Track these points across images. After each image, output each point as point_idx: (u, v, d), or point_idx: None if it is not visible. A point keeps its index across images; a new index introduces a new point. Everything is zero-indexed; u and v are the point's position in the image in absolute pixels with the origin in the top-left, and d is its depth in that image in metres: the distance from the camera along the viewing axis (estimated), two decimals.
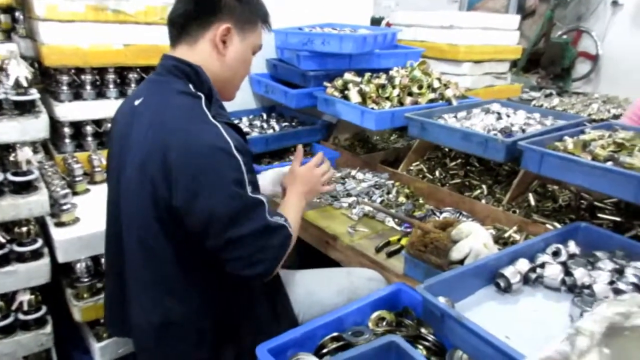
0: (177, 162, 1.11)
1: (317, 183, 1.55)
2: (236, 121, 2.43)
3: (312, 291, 1.42)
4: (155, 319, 1.25)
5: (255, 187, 1.20)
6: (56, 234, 1.65)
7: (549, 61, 4.76)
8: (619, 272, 1.22)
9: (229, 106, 2.47)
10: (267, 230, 1.17)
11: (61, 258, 1.67)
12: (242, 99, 2.60)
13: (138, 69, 2.21)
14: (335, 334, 1.22)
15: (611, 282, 1.17)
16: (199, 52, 1.28)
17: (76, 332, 1.94)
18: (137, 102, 1.27)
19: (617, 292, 1.13)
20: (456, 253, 1.28)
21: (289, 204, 1.44)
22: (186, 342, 1.26)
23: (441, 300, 1.08)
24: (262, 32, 1.40)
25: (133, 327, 1.32)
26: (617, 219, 1.56)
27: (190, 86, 1.25)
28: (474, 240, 1.29)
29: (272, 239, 1.19)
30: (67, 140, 2.17)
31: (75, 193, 1.97)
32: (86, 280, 1.75)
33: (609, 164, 1.43)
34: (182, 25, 1.28)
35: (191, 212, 1.12)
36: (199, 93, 1.24)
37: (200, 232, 1.14)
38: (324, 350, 1.19)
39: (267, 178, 1.67)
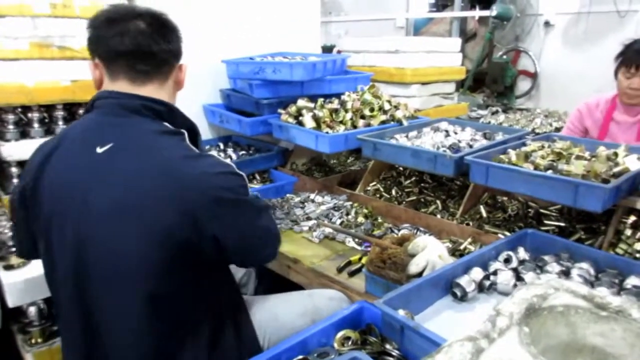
0: (200, 201, 1.10)
1: None
2: None
3: (275, 315, 1.42)
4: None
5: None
6: (5, 277, 1.58)
7: (492, 80, 5.01)
8: (566, 273, 1.29)
9: None
10: (267, 208, 1.29)
11: (11, 302, 1.60)
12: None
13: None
14: (300, 357, 1.21)
15: None
16: (166, 89, 1.27)
17: None
18: (100, 150, 1.14)
19: None
20: (414, 267, 1.32)
21: None
22: None
23: (400, 313, 1.11)
24: None
25: None
26: (562, 224, 1.65)
27: (165, 124, 1.21)
28: (429, 253, 1.33)
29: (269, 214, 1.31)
30: (15, 181, 2.10)
31: None
32: (38, 324, 1.68)
33: (549, 172, 1.52)
34: (158, 65, 1.23)
35: (223, 237, 1.15)
36: (180, 130, 1.21)
37: (236, 249, 1.20)
38: None
39: None
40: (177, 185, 1.10)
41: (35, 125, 2.09)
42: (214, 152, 2.46)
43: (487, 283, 1.27)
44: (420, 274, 1.31)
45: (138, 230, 1.09)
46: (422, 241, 1.37)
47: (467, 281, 1.24)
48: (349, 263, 1.62)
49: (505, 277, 1.27)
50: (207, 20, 2.49)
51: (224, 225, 1.15)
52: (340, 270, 1.60)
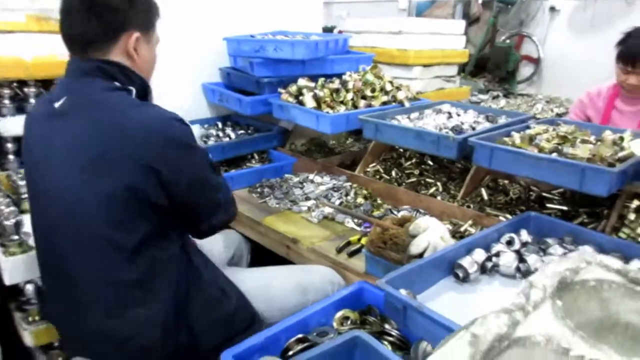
0: (145, 145, 1.15)
1: None
2: None
3: (266, 288, 1.44)
4: (121, 330, 1.21)
5: None
6: (1, 254, 1.56)
7: (494, 65, 4.96)
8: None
9: (182, 116, 2.47)
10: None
11: (8, 280, 1.58)
12: (197, 109, 2.57)
13: None
14: (300, 335, 1.21)
15: None
16: (113, 55, 1.29)
17: (29, 358, 1.83)
18: (57, 104, 1.24)
19: None
20: (415, 247, 1.30)
21: None
22: (150, 334, 1.23)
23: (402, 293, 1.10)
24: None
25: (93, 342, 1.26)
26: (564, 207, 1.64)
27: (115, 83, 1.27)
28: (431, 234, 1.31)
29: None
30: (11, 157, 2.07)
31: (22, 211, 1.88)
32: (36, 302, 1.66)
33: (554, 155, 1.50)
34: (88, 43, 1.25)
35: (175, 183, 1.20)
36: (129, 87, 1.28)
37: (182, 199, 1.23)
38: (290, 353, 1.18)
39: None
40: (124, 134, 1.15)
41: (32, 100, 2.05)
42: (212, 131, 2.43)
43: (489, 264, 1.26)
44: (421, 255, 1.30)
45: (91, 183, 1.16)
46: (424, 222, 1.35)
47: (470, 262, 1.23)
48: (349, 243, 1.61)
49: (507, 259, 1.26)
50: None
51: (173, 169, 1.19)
52: (339, 250, 1.58)
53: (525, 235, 1.38)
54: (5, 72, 1.92)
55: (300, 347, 1.18)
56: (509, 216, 1.66)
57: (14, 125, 2.00)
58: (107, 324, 1.21)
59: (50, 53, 1.99)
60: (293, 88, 2.20)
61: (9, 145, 2.06)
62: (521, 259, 1.27)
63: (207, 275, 1.35)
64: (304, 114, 2.09)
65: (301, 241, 1.66)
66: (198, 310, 1.29)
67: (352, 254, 1.56)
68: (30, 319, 1.66)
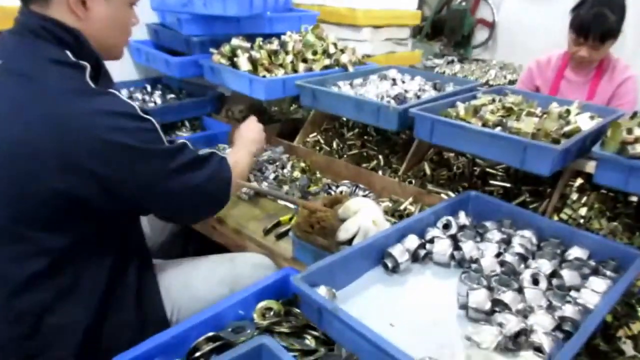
0: (81, 146, 0.97)
1: (260, 133, 1.61)
2: None
3: (189, 283, 1.26)
4: (28, 324, 1.06)
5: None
6: None
7: (450, 29, 4.82)
8: (506, 242, 1.19)
9: None
10: (198, 163, 1.16)
11: None
12: (121, 70, 2.30)
13: None
14: (210, 333, 1.07)
15: (498, 254, 1.13)
16: (56, 11, 1.05)
17: None
18: None
19: (503, 264, 1.09)
20: (343, 233, 1.17)
21: (236, 147, 1.50)
22: (63, 345, 1.08)
23: (322, 290, 0.98)
24: None
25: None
26: (507, 185, 1.55)
27: (69, 53, 1.04)
28: (362, 217, 1.19)
29: (209, 168, 1.18)
30: None
31: None
32: None
33: (498, 129, 1.39)
34: None
35: (121, 187, 1.04)
36: (82, 62, 1.04)
37: (134, 202, 1.10)
38: (197, 354, 1.04)
39: None
40: (58, 128, 0.96)
41: None
42: (138, 95, 2.19)
43: (422, 252, 1.15)
44: (350, 241, 1.17)
45: (4, 183, 0.99)
46: (355, 204, 1.22)
47: (400, 251, 1.11)
48: (278, 224, 1.47)
49: (441, 247, 1.15)
50: None
51: (117, 175, 1.01)
52: (266, 232, 1.44)
53: (463, 218, 1.27)
54: None
55: (210, 346, 1.05)
56: (450, 193, 1.56)
57: None
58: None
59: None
60: (226, 48, 1.99)
61: None
62: (457, 246, 1.16)
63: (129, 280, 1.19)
64: (237, 78, 1.90)
65: (226, 221, 1.51)
66: (109, 337, 1.14)
67: (280, 236, 1.42)
68: None
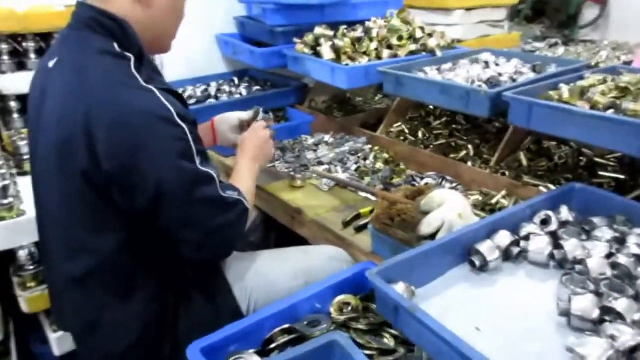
0: (107, 140, 0.95)
1: (265, 144, 1.40)
2: (203, 87, 2.24)
3: (264, 276, 1.24)
4: (87, 318, 1.11)
5: (205, 158, 1.06)
6: None
7: (553, 9, 4.41)
8: (620, 241, 1.02)
9: (193, 71, 2.30)
10: (221, 206, 1.06)
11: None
12: (210, 62, 2.38)
13: None
14: (286, 325, 1.04)
15: (609, 255, 0.97)
16: (117, 1, 1.07)
17: (36, 321, 1.81)
18: (51, 64, 1.07)
19: (615, 266, 0.94)
20: (426, 226, 1.08)
21: (240, 172, 1.30)
22: (125, 340, 1.11)
23: (400, 287, 0.90)
24: None
25: (67, 323, 1.19)
26: (620, 176, 1.35)
27: (115, 45, 1.05)
28: (446, 210, 1.09)
29: (228, 216, 1.07)
30: (16, 116, 1.99)
31: (24, 173, 1.81)
32: (31, 268, 1.60)
33: (610, 112, 1.21)
34: None
35: (135, 191, 0.98)
36: (127, 53, 1.05)
37: (147, 212, 1.01)
38: (272, 345, 1.02)
39: (227, 123, 1.51)
40: (88, 117, 0.96)
41: (32, 55, 1.94)
42: (225, 87, 2.24)
43: (515, 250, 1.02)
44: (433, 236, 1.08)
45: (58, 170, 1.02)
46: (439, 196, 1.12)
47: (490, 247, 1.00)
48: (358, 216, 1.41)
49: (539, 244, 1.02)
50: None
51: (128, 177, 0.97)
52: (346, 224, 1.39)
53: (565, 213, 1.12)
54: None
55: (285, 339, 1.02)
56: (550, 186, 1.40)
57: (15, 83, 1.90)
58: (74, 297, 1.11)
59: (44, 3, 1.84)
60: (309, 37, 1.96)
61: (12, 104, 1.98)
62: (557, 244, 1.02)
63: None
64: (319, 67, 1.86)
65: (305, 211, 1.48)
66: (184, 326, 1.15)
67: (359, 229, 1.36)
68: (25, 285, 1.61)
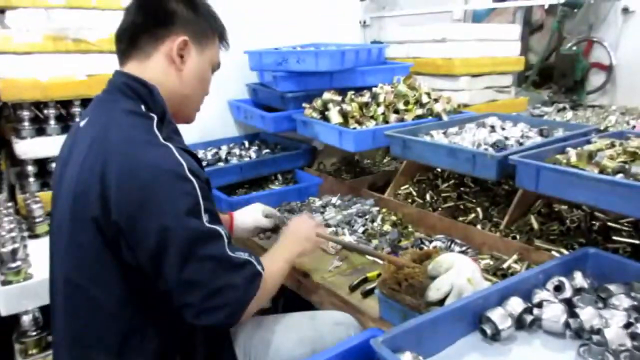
0: (117, 190, 0.96)
1: (310, 228, 1.41)
2: (214, 150, 2.29)
3: (268, 342, 1.20)
4: None
5: (214, 216, 1.04)
6: None
7: (560, 74, 4.50)
8: (638, 310, 0.97)
9: (206, 135, 2.36)
10: (226, 266, 1.01)
11: (4, 310, 1.50)
12: (222, 127, 2.45)
13: None
14: None
15: (628, 325, 0.92)
16: (153, 68, 1.13)
17: None
18: (82, 124, 1.13)
19: (635, 337, 0.88)
20: (434, 292, 1.05)
21: (276, 247, 1.30)
22: None
23: (407, 357, 0.86)
24: (219, 48, 1.28)
25: None
26: (636, 241, 1.31)
27: (142, 106, 1.10)
28: (455, 274, 1.06)
29: (234, 278, 1.02)
30: (32, 179, 2.03)
31: (35, 235, 1.83)
32: (34, 333, 1.57)
33: (619, 176, 1.19)
34: (130, 39, 1.14)
35: (139, 243, 0.98)
36: (151, 114, 1.09)
37: (150, 267, 0.99)
38: None
39: (247, 212, 1.57)
40: (104, 167, 0.98)
41: (52, 122, 2.01)
42: (236, 150, 2.28)
43: (528, 318, 0.98)
44: (442, 302, 1.05)
45: (72, 220, 1.03)
46: (447, 260, 1.10)
47: (501, 315, 0.96)
48: (365, 280, 1.38)
49: (553, 312, 0.97)
50: (236, 10, 2.32)
51: (133, 231, 0.97)
52: (352, 289, 1.35)
53: (579, 279, 1.08)
54: (21, 93, 1.88)
55: None
56: (563, 250, 1.36)
57: (33, 148, 1.96)
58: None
59: (66, 73, 1.94)
60: (318, 102, 2.02)
61: (29, 168, 2.02)
62: (572, 313, 0.98)
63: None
64: (327, 130, 1.90)
65: (311, 275, 1.45)
66: None
67: (366, 294, 1.33)
68: (27, 352, 1.56)
